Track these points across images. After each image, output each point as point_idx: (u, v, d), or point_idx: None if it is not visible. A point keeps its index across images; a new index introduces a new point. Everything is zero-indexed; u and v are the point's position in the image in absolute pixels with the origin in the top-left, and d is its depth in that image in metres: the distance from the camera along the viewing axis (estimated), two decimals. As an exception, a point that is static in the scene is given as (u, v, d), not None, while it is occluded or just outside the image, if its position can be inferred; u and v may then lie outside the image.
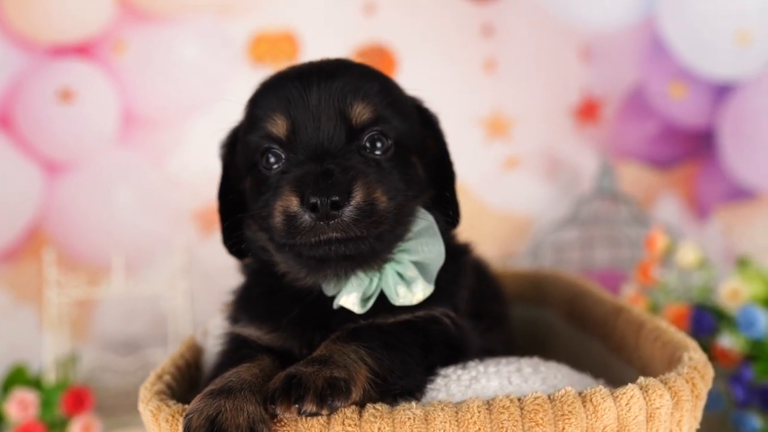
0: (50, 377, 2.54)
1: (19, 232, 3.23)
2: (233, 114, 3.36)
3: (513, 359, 1.48)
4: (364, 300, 1.39)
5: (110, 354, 3.02)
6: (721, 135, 3.32)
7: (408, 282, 1.40)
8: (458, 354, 1.44)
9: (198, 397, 1.23)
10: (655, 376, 1.35)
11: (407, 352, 1.35)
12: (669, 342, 1.56)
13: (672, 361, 1.50)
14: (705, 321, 2.40)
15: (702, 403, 1.38)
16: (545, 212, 3.38)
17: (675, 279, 2.65)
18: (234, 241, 1.55)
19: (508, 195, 3.40)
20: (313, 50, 3.36)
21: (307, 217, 1.31)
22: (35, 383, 2.50)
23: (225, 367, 1.36)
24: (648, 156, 3.44)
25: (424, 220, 1.46)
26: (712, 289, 2.61)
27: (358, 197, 1.31)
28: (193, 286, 2.90)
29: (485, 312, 1.68)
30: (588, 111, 3.43)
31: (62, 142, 3.24)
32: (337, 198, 1.29)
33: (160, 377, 1.49)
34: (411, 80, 3.35)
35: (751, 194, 3.37)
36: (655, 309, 2.65)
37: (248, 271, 1.59)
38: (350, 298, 1.38)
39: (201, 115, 3.30)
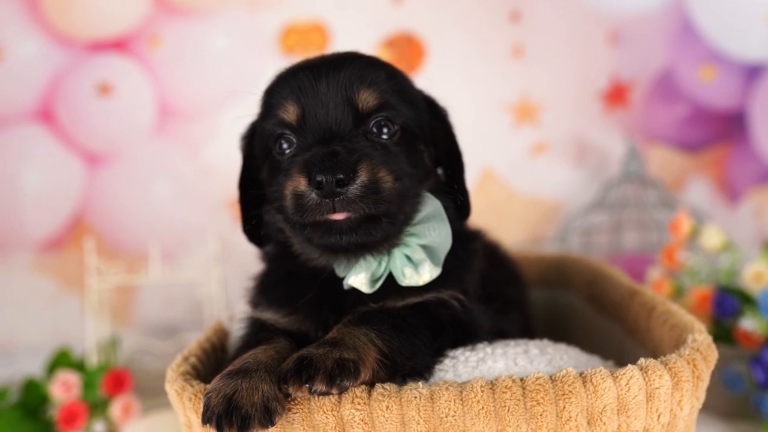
0: (92, 360, 2.66)
1: (63, 221, 3.36)
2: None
3: (522, 341, 1.53)
4: (373, 281, 1.46)
5: (150, 338, 3.15)
6: (752, 117, 3.29)
7: (415, 264, 1.46)
8: (467, 336, 1.50)
9: (217, 377, 1.31)
10: (665, 356, 1.39)
11: (416, 335, 1.41)
12: (677, 324, 1.59)
13: (678, 343, 1.53)
14: (728, 304, 2.41)
15: (704, 384, 1.42)
16: (574, 197, 3.40)
17: (700, 262, 2.66)
18: (254, 228, 1.63)
19: (537, 180, 3.42)
20: (343, 40, 3.42)
21: (314, 195, 1.37)
22: (78, 366, 2.62)
23: (245, 350, 1.44)
24: (677, 139, 3.43)
25: (432, 205, 1.51)
26: (738, 272, 2.61)
27: (363, 176, 1.37)
28: (227, 272, 3.00)
29: (498, 295, 1.73)
30: (616, 95, 3.43)
31: (101, 134, 3.35)
32: (342, 176, 1.35)
33: (186, 359, 1.58)
34: (439, 68, 3.43)
35: (783, 176, 3.35)
36: (680, 292, 2.66)
37: (267, 257, 1.67)
38: (359, 278, 1.45)
39: (233, 106, 3.39)
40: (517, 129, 3.43)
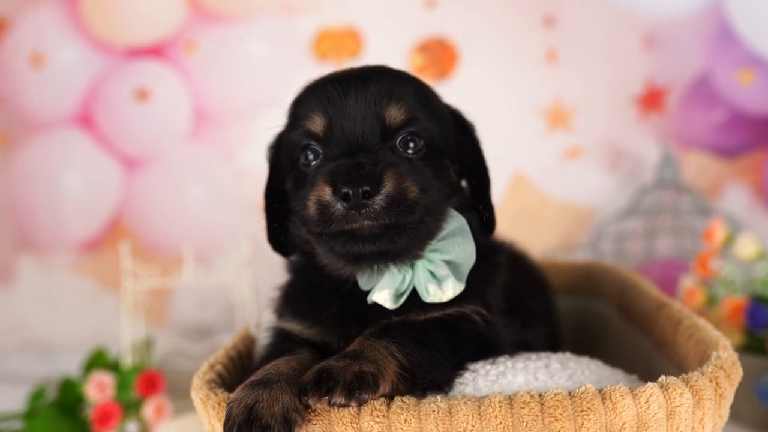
0: (127, 361, 2.72)
1: (102, 224, 3.44)
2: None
3: (544, 354, 1.53)
4: (397, 296, 1.47)
5: (184, 340, 3.20)
6: (792, 122, 3.23)
7: (439, 280, 1.47)
8: (489, 350, 1.50)
9: (239, 387, 1.34)
10: (687, 374, 1.38)
11: (437, 348, 1.42)
12: (702, 340, 1.57)
13: (703, 359, 1.51)
14: (761, 314, 2.38)
15: (727, 402, 1.40)
16: (606, 203, 3.37)
17: (734, 271, 2.62)
18: (280, 237, 1.65)
19: (569, 185, 3.40)
20: (376, 46, 3.44)
21: (339, 206, 1.38)
22: (113, 366, 2.68)
23: (268, 360, 1.46)
24: (714, 145, 3.38)
25: (456, 221, 1.52)
26: (773, 282, 2.57)
27: (388, 186, 1.38)
28: (259, 275, 3.03)
29: (522, 307, 1.73)
30: (651, 100, 3.39)
31: (139, 139, 3.43)
32: (368, 187, 1.36)
33: (212, 367, 1.61)
34: (472, 72, 3.43)
35: (824, 183, 3.28)
36: (712, 302, 2.63)
37: (292, 268, 1.69)
38: (383, 294, 1.46)
39: (268, 111, 3.42)
40: (549, 134, 3.41)
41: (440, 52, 3.44)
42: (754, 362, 2.42)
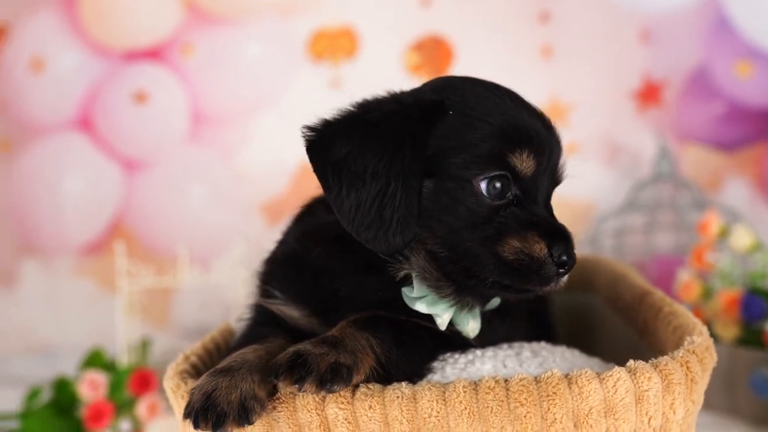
0: (123, 361, 2.74)
1: (102, 226, 3.47)
2: (296, 110, 3.48)
3: (516, 344, 1.52)
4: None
5: (183, 340, 3.22)
6: (792, 114, 3.20)
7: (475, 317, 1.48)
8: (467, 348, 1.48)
9: (204, 375, 1.34)
10: (657, 358, 1.37)
11: (416, 350, 1.40)
12: (679, 326, 1.55)
13: (679, 345, 1.49)
14: (756, 306, 2.35)
15: (699, 386, 1.38)
16: (605, 198, 3.35)
17: (730, 264, 2.59)
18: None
19: (567, 181, 3.36)
20: (372, 45, 3.44)
21: (553, 269, 1.35)
22: (109, 366, 2.69)
23: (241, 345, 1.45)
24: (713, 138, 3.34)
25: None
26: (770, 274, 2.54)
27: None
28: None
29: (510, 311, 1.67)
30: (649, 94, 3.37)
31: (138, 141, 3.45)
32: (573, 261, 1.38)
33: (187, 358, 1.61)
34: (468, 70, 3.39)
35: (825, 175, 3.24)
36: (708, 294, 2.60)
37: (308, 239, 1.50)
38: (470, 325, 1.45)
39: (265, 112, 3.45)
40: (547, 130, 3.39)
41: (436, 51, 3.44)
42: (750, 355, 2.39)
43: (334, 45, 3.46)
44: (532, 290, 1.39)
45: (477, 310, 1.47)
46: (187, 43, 3.42)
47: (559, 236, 1.36)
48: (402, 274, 1.41)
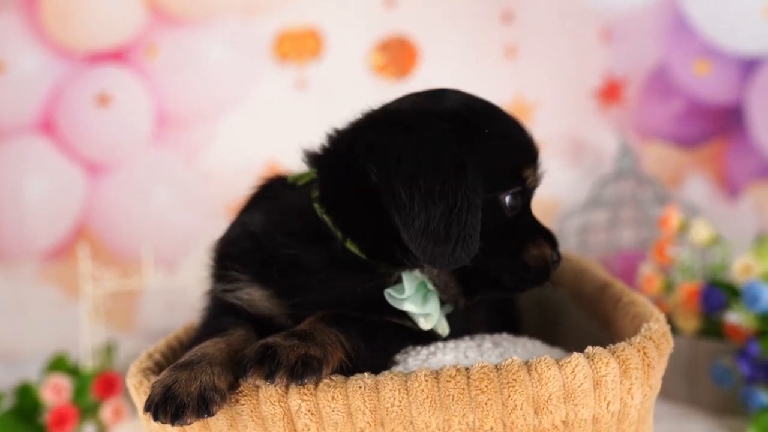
0: (88, 365, 2.71)
1: (66, 230, 3.43)
2: (261, 112, 3.45)
3: (478, 336, 1.53)
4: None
5: (149, 343, 3.18)
6: (750, 111, 3.26)
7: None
8: (431, 340, 1.50)
9: (165, 370, 1.33)
10: (614, 344, 1.39)
11: (382, 346, 1.42)
12: (637, 315, 1.58)
13: (637, 333, 1.52)
14: (715, 298, 2.39)
15: (657, 372, 1.41)
16: (568, 195, 3.39)
17: (690, 257, 2.63)
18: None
19: (532, 179, 3.41)
20: (336, 46, 3.45)
21: (556, 267, 1.55)
22: (73, 370, 2.66)
23: (200, 340, 1.44)
24: (674, 135, 3.40)
25: None
26: (729, 266, 2.58)
27: None
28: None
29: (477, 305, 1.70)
30: (611, 92, 3.41)
31: (101, 144, 3.42)
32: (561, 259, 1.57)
33: (150, 356, 1.60)
34: (433, 70, 3.44)
35: (783, 170, 3.31)
36: (670, 287, 2.64)
37: (281, 231, 1.47)
38: (443, 321, 1.50)
39: (230, 113, 3.44)
40: (512, 129, 3.42)
41: (400, 51, 3.46)
42: (710, 346, 2.44)
43: (299, 46, 3.46)
44: (533, 288, 1.56)
45: (447, 307, 1.51)
46: (150, 44, 3.40)
47: (552, 239, 1.55)
48: (395, 277, 1.45)
